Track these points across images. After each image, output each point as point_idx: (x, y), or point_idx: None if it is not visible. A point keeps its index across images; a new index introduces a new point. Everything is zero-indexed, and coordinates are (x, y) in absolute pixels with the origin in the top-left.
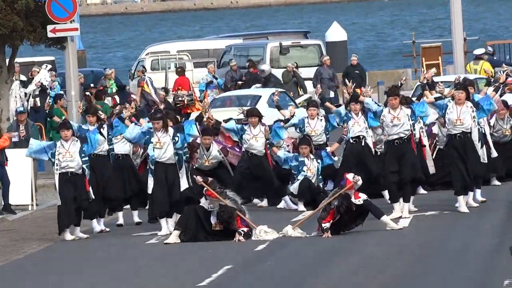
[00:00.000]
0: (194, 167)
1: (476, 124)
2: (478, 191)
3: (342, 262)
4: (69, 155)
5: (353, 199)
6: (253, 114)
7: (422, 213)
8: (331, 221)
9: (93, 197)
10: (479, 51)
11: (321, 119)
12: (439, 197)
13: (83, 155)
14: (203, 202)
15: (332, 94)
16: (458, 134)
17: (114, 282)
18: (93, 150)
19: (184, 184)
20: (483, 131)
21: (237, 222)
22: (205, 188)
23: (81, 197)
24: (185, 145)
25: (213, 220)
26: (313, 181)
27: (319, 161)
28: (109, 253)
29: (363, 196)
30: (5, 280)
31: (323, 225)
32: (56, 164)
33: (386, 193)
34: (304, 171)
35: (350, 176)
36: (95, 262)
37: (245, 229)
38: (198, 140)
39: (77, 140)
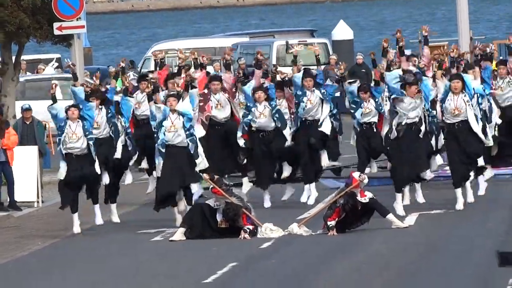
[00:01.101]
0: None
1: (471, 108)
2: (483, 185)
3: (347, 259)
4: (75, 137)
5: (359, 197)
6: (259, 89)
7: (428, 212)
8: (337, 219)
9: (99, 171)
10: None
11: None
12: (444, 195)
13: (87, 133)
14: (210, 199)
15: (338, 93)
16: (457, 123)
17: (118, 279)
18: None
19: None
20: (484, 114)
21: (242, 220)
22: (211, 186)
23: (88, 176)
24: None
25: (219, 217)
26: (313, 111)
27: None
28: (114, 250)
29: (369, 195)
30: (9, 276)
31: (328, 223)
32: (63, 143)
33: None
34: (303, 102)
35: (356, 174)
36: (100, 259)
37: (251, 227)
38: (207, 91)
39: (79, 121)
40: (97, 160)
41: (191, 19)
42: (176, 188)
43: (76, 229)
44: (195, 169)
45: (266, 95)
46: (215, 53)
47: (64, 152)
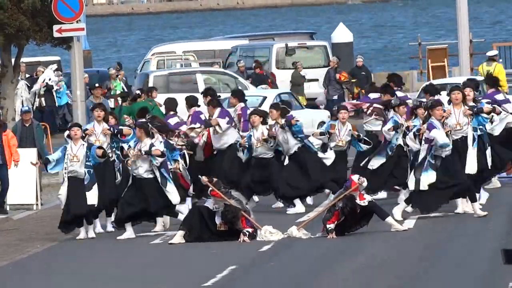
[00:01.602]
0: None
1: (471, 128)
2: (484, 195)
3: (346, 263)
4: (76, 159)
5: (358, 201)
6: (254, 113)
7: (427, 215)
8: (336, 222)
9: (93, 202)
10: (492, 52)
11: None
12: None
13: (87, 159)
14: (208, 202)
15: (336, 97)
16: (458, 139)
17: (118, 283)
18: (93, 162)
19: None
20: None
21: (242, 223)
22: (210, 188)
23: (84, 203)
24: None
25: (217, 220)
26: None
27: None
28: (114, 253)
29: (368, 198)
30: (9, 279)
31: (327, 226)
32: (64, 168)
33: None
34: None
35: (355, 177)
36: (99, 262)
37: (250, 230)
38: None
39: (83, 144)
40: (93, 190)
41: (191, 22)
42: (137, 208)
43: (81, 236)
44: (162, 199)
45: (261, 119)
46: (215, 56)
47: (67, 176)
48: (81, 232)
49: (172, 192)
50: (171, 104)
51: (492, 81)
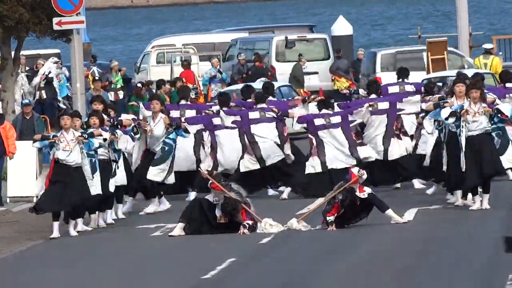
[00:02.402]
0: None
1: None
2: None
3: (346, 255)
4: (68, 148)
5: (357, 193)
6: (154, 99)
7: (427, 207)
8: (336, 215)
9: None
10: (488, 45)
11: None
12: (443, 191)
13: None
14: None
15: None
16: (474, 135)
17: (117, 275)
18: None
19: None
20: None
21: (242, 215)
22: (210, 181)
23: (73, 192)
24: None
25: (218, 213)
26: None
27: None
28: (113, 245)
29: (367, 190)
30: (8, 271)
31: (327, 218)
32: (56, 149)
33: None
34: None
35: (355, 170)
36: (98, 254)
37: (250, 222)
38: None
39: (74, 132)
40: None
41: (192, 15)
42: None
43: (55, 234)
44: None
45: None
46: (215, 48)
47: (56, 158)
48: (70, 229)
49: (95, 184)
50: (184, 93)
51: (507, 77)
